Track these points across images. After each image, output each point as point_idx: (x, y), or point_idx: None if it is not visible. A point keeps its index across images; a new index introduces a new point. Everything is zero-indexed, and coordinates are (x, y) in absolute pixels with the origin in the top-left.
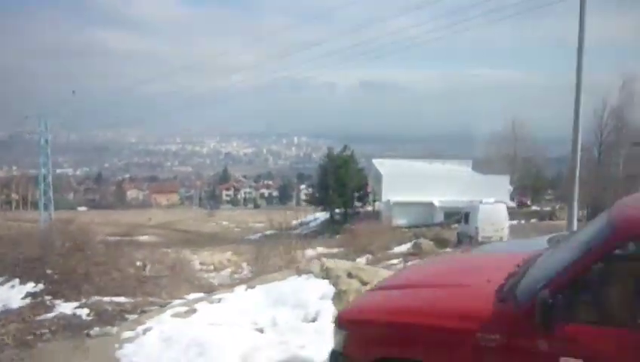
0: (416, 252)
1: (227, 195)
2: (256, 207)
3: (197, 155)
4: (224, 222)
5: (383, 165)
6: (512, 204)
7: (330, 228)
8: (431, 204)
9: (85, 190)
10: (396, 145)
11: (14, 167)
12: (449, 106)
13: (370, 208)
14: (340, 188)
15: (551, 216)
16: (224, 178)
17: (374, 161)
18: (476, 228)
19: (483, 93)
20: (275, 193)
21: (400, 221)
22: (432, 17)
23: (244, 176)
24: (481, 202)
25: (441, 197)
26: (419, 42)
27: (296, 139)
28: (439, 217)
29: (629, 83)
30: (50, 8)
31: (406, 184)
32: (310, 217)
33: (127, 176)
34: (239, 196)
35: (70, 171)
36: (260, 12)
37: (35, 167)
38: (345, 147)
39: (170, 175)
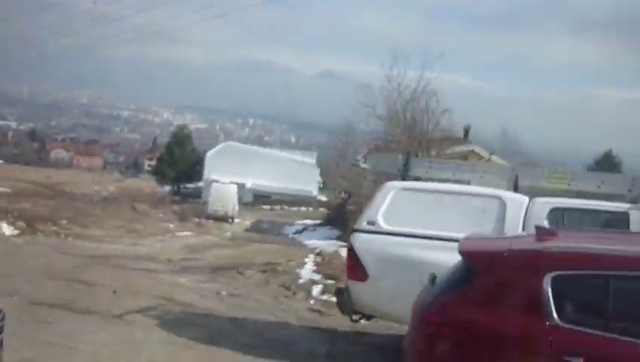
0: None
1: (149, 165)
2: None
3: (148, 124)
4: (111, 188)
5: (225, 148)
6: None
7: None
8: (243, 186)
9: (15, 143)
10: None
11: None
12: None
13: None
14: (174, 165)
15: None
16: (153, 148)
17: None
18: (206, 203)
19: None
20: None
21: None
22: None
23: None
24: (216, 181)
25: (256, 180)
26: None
27: (251, 121)
28: (248, 198)
29: None
30: None
31: (227, 166)
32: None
33: (72, 135)
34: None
35: (14, 125)
36: None
37: None
38: (184, 126)
39: (116, 140)
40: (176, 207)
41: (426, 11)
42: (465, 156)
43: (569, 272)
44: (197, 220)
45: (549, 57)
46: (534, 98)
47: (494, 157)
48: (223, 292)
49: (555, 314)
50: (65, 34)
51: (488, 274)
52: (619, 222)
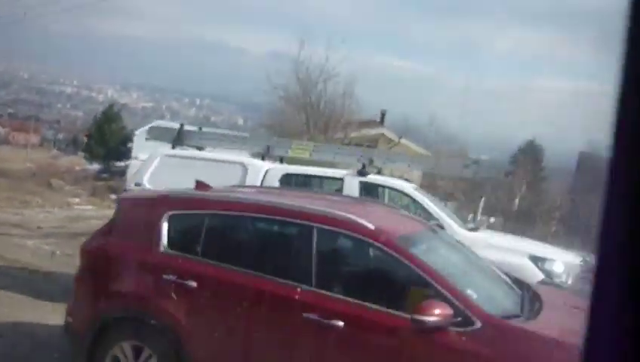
0: None
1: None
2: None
3: (92, 101)
4: (43, 165)
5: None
6: None
7: None
8: None
9: None
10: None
11: None
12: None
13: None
14: (103, 143)
15: None
16: (93, 126)
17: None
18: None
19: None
20: None
21: None
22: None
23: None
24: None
25: None
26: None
27: (198, 101)
28: None
29: None
30: None
31: (155, 145)
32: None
33: (11, 111)
34: None
35: None
36: None
37: None
38: (111, 106)
39: (58, 117)
40: (100, 184)
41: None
42: (375, 140)
43: (180, 212)
44: (114, 196)
45: (498, 47)
46: (480, 86)
47: (404, 141)
48: (58, 252)
49: (164, 244)
50: (9, 4)
51: (128, 214)
52: (336, 186)
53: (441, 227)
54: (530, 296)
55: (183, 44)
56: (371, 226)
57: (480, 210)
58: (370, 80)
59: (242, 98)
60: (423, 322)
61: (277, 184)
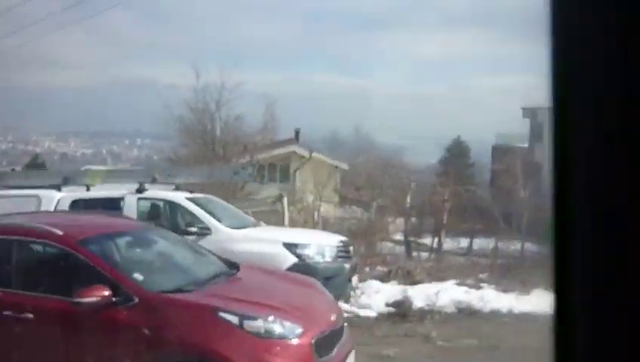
0: None
1: None
2: None
3: (29, 155)
4: None
5: None
6: None
7: None
8: None
9: None
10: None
11: None
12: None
13: None
14: None
15: None
16: None
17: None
18: None
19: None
20: None
21: None
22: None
23: None
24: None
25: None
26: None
27: (139, 141)
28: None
29: None
30: None
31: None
32: None
33: None
34: None
35: None
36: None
37: None
38: (36, 156)
39: None
40: None
41: (306, 16)
42: (287, 158)
43: None
44: None
45: (427, 52)
46: (414, 92)
47: (316, 155)
48: None
49: None
50: None
51: None
52: (118, 205)
53: (207, 229)
54: (226, 276)
55: (114, 87)
56: (59, 232)
57: (286, 209)
58: (305, 98)
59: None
60: (81, 303)
61: (67, 209)
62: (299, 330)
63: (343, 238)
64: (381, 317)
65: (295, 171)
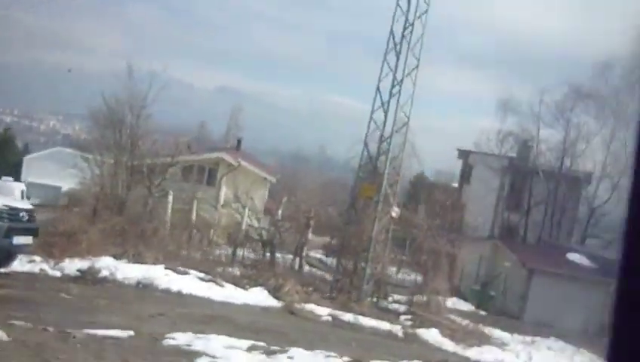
0: None
1: None
2: None
3: (32, 132)
4: None
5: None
6: None
7: None
8: (59, 188)
9: None
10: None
11: None
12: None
13: None
14: None
15: None
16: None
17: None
18: None
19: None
20: None
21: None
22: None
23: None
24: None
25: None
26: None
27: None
28: (64, 200)
29: None
30: None
31: (50, 169)
32: None
33: None
34: None
35: None
36: None
37: None
38: (8, 128)
39: None
40: None
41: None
42: (217, 163)
43: None
44: None
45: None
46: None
47: (245, 165)
48: None
49: None
50: None
51: None
52: None
53: None
54: None
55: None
56: None
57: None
58: (312, 114)
59: (190, 130)
60: None
61: None
62: None
63: (29, 208)
64: (65, 278)
65: (222, 177)
